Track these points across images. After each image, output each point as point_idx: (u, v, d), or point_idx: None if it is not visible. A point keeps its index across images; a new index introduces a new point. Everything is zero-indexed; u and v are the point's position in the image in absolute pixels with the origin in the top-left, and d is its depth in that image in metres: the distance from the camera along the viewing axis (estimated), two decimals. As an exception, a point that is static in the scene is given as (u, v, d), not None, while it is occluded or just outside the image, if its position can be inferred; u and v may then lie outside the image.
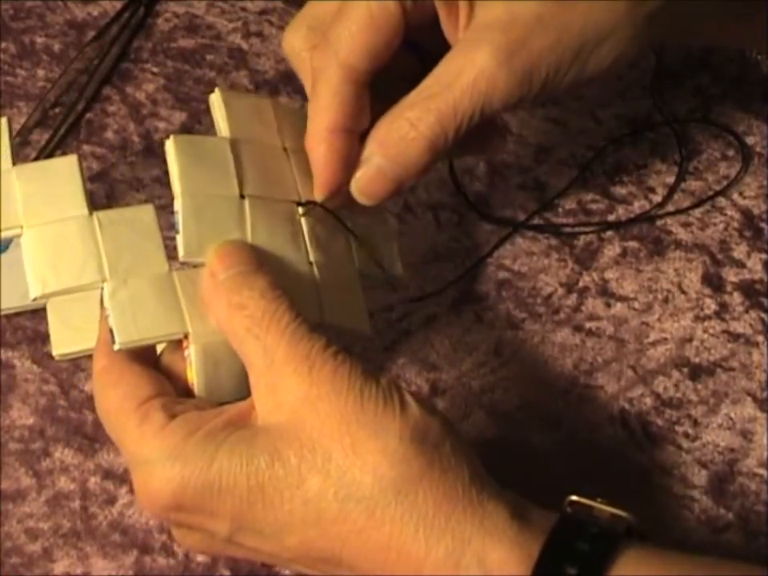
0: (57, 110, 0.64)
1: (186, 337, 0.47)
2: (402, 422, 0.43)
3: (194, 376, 0.47)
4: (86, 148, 0.63)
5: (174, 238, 0.47)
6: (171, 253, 0.47)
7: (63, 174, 0.49)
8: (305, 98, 0.64)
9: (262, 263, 0.46)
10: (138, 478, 0.46)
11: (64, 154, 0.63)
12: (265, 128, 0.51)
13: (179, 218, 0.47)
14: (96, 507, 0.52)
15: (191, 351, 0.47)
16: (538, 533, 0.42)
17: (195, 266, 0.47)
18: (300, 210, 0.49)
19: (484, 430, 0.54)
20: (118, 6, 0.68)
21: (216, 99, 0.50)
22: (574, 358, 0.56)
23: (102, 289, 0.46)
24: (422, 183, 0.61)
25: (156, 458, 0.44)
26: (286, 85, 0.65)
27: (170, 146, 0.48)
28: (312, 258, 0.49)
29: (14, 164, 0.49)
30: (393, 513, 0.42)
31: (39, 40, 0.67)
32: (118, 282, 0.46)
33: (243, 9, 0.68)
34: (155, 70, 0.66)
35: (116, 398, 0.47)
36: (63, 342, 0.50)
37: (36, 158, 0.62)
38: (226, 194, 0.48)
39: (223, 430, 0.45)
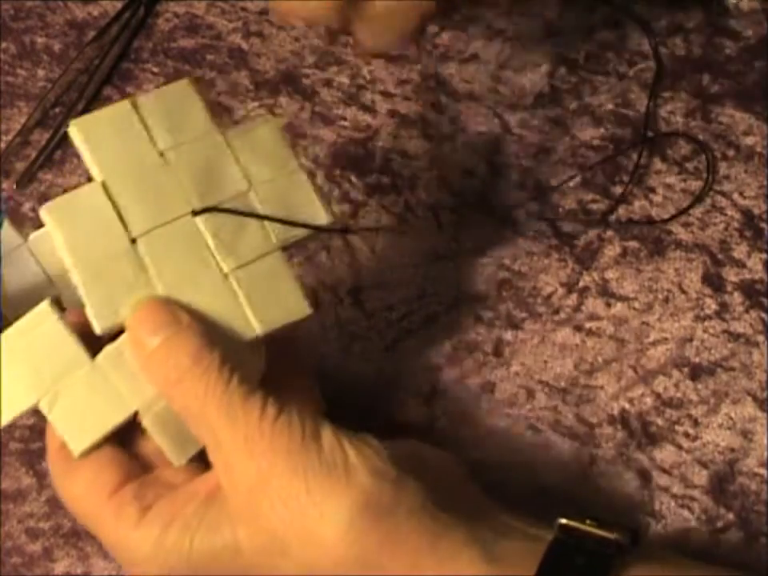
0: (57, 110, 0.64)
1: (136, 414, 0.46)
2: (350, 496, 0.42)
3: (160, 443, 0.47)
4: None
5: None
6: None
7: None
8: (305, 98, 0.64)
9: (181, 317, 0.45)
10: (123, 567, 0.46)
11: (64, 154, 0.63)
12: (132, 141, 0.48)
13: (81, 293, 0.45)
14: (96, 507, 0.52)
15: (146, 425, 0.46)
16: (516, 571, 0.41)
17: (114, 340, 0.46)
18: (197, 218, 0.47)
19: (484, 429, 0.54)
20: (118, 5, 0.68)
21: (75, 136, 0.47)
22: (574, 358, 0.56)
23: (41, 407, 0.46)
24: (423, 183, 0.61)
25: (137, 557, 0.45)
26: (286, 85, 0.65)
27: (46, 218, 0.46)
28: (224, 269, 0.47)
29: None
30: None
31: (39, 40, 0.67)
32: (50, 397, 0.46)
33: (243, 9, 0.68)
34: (155, 70, 0.66)
35: (80, 488, 0.46)
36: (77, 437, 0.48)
37: (36, 158, 0.62)
38: (117, 248, 0.46)
39: (195, 516, 0.44)
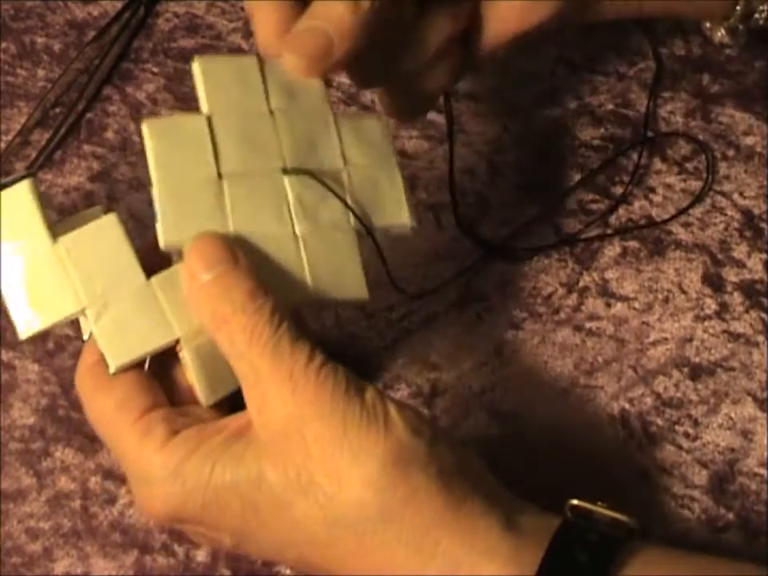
0: (57, 110, 0.64)
1: (177, 342, 0.46)
2: (386, 447, 0.42)
3: (193, 378, 0.47)
4: (86, 148, 0.63)
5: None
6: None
7: (18, 202, 0.47)
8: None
9: (239, 258, 0.45)
10: (139, 493, 0.46)
11: (64, 154, 0.63)
12: (248, 91, 0.49)
13: (156, 207, 0.46)
14: (96, 507, 0.52)
15: (186, 355, 0.47)
16: (533, 545, 0.42)
17: (171, 266, 0.47)
18: (286, 177, 0.48)
19: (484, 430, 0.54)
20: (118, 5, 0.68)
21: (196, 69, 0.49)
22: (574, 358, 0.56)
23: (85, 317, 0.46)
24: (423, 183, 0.61)
25: (156, 477, 0.45)
26: (286, 85, 0.65)
27: (145, 130, 0.47)
28: (298, 231, 0.48)
29: None
30: (380, 539, 0.42)
31: (39, 40, 0.67)
32: (99, 307, 0.46)
33: (243, 9, 0.68)
34: (155, 69, 0.66)
35: (110, 406, 0.46)
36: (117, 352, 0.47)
37: (36, 158, 0.62)
38: (203, 177, 0.47)
39: (219, 447, 0.44)
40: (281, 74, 0.49)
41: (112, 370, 0.46)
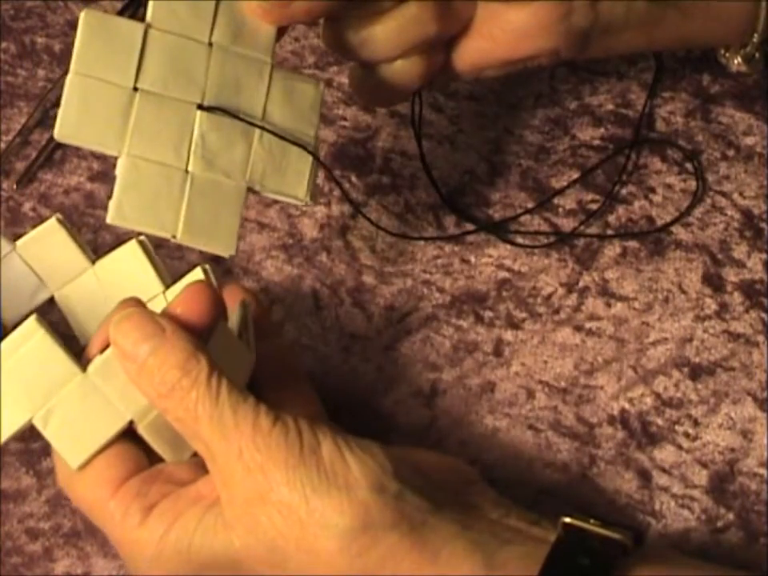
0: (57, 110, 0.64)
1: (131, 423, 0.46)
2: (352, 513, 0.41)
3: (156, 449, 0.47)
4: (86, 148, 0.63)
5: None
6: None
7: None
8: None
9: (164, 327, 0.44)
10: (128, 565, 0.47)
11: (64, 154, 0.63)
12: (195, 17, 0.49)
13: (63, 96, 0.46)
14: (96, 507, 0.52)
15: (142, 433, 0.46)
16: None
17: (110, 358, 0.45)
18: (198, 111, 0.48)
19: (484, 430, 0.54)
20: (118, 6, 0.68)
21: None
22: (574, 358, 0.56)
23: (35, 424, 0.45)
24: (423, 183, 0.61)
25: (140, 558, 0.45)
26: (286, 85, 0.65)
27: (81, 18, 0.47)
28: (190, 167, 0.47)
29: None
30: None
31: (40, 40, 0.67)
32: (43, 414, 0.45)
33: (243, 9, 0.68)
34: (155, 70, 0.66)
35: (86, 486, 0.46)
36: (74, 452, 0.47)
37: (36, 158, 0.62)
38: (119, 83, 0.47)
39: (194, 518, 0.44)
40: (235, 12, 0.49)
41: (74, 468, 0.45)
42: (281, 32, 0.50)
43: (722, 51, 0.58)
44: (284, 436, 0.42)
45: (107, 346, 0.45)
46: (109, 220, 0.46)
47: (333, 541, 0.41)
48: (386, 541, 0.41)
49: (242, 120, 0.48)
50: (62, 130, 0.46)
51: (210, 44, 0.49)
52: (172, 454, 0.47)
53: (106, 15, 0.48)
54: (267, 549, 0.42)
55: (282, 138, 0.49)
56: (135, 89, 0.47)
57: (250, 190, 0.49)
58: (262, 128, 0.49)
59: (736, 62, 0.57)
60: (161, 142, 0.47)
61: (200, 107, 0.48)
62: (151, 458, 0.47)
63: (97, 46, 0.46)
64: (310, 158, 0.50)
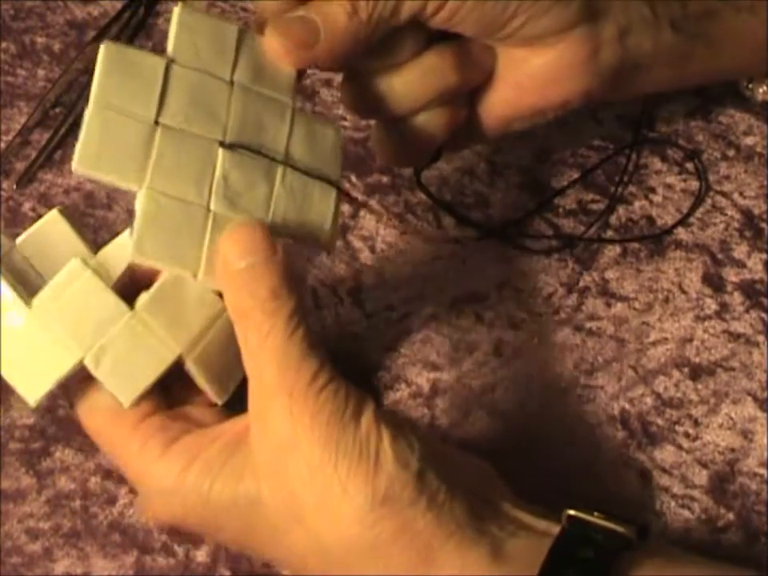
0: (57, 110, 0.64)
1: (179, 357, 0.46)
2: (375, 484, 0.42)
3: (202, 384, 0.47)
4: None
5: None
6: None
7: None
8: (306, 98, 0.64)
9: (276, 251, 0.44)
10: (141, 500, 0.47)
11: (64, 154, 0.63)
12: (217, 55, 0.48)
13: (82, 128, 0.45)
14: (96, 507, 0.52)
15: (190, 367, 0.47)
16: (524, 572, 0.41)
17: (156, 294, 0.46)
18: (220, 149, 0.47)
19: (484, 430, 0.54)
20: (118, 5, 0.68)
21: (175, 14, 0.47)
22: (574, 358, 0.56)
23: (86, 364, 0.46)
24: (423, 183, 0.61)
25: (156, 490, 0.45)
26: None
27: (102, 51, 0.46)
28: (212, 206, 0.46)
29: None
30: (369, 573, 0.42)
31: (39, 40, 0.67)
32: (94, 354, 0.45)
33: (243, 9, 0.68)
34: (155, 70, 0.66)
35: (106, 415, 0.46)
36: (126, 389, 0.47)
37: (36, 158, 0.62)
38: (140, 117, 0.46)
39: (218, 458, 0.44)
40: (256, 52, 0.48)
41: (126, 406, 0.46)
42: (300, 74, 0.50)
43: (745, 84, 0.57)
44: (334, 395, 0.43)
45: (152, 283, 0.46)
46: (130, 258, 0.45)
47: (351, 505, 0.42)
48: (402, 516, 0.42)
49: (268, 158, 0.47)
50: (81, 162, 0.45)
51: (232, 82, 0.48)
52: (216, 389, 0.47)
53: (127, 48, 0.47)
54: (289, 497, 0.43)
55: (308, 174, 0.48)
56: (156, 123, 0.46)
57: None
58: (289, 165, 0.48)
59: (761, 90, 0.57)
60: (182, 177, 0.46)
61: (222, 145, 0.47)
62: (180, 401, 0.48)
63: (117, 78, 0.46)
64: (332, 202, 0.49)
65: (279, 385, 0.43)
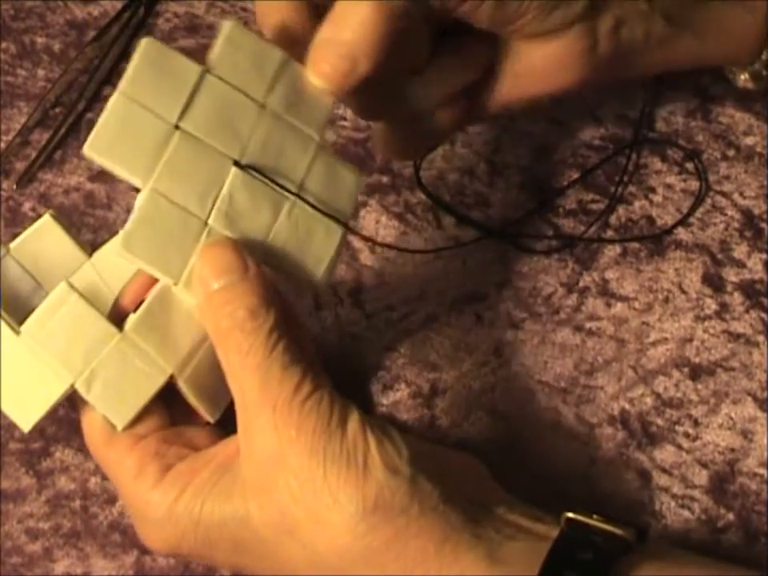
0: (57, 110, 0.64)
1: (171, 377, 0.46)
2: (365, 492, 0.42)
3: (194, 402, 0.47)
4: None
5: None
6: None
7: None
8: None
9: (249, 267, 0.44)
10: (138, 526, 0.47)
11: (64, 154, 0.63)
12: (255, 76, 0.47)
13: (104, 114, 0.45)
14: (96, 507, 0.52)
15: (182, 386, 0.47)
16: (520, 572, 0.41)
17: (144, 314, 0.46)
18: (232, 168, 0.46)
19: (484, 429, 0.54)
20: (118, 5, 0.68)
21: (224, 30, 0.47)
22: (574, 358, 0.56)
23: (78, 388, 0.46)
24: (423, 183, 0.61)
25: (152, 517, 0.45)
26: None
27: (142, 45, 0.45)
28: (210, 221, 0.46)
29: None
30: None
31: (39, 40, 0.67)
32: (85, 378, 0.45)
33: (243, 9, 0.68)
34: (155, 70, 0.66)
35: (102, 435, 0.47)
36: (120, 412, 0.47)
37: (36, 158, 0.62)
38: (161, 116, 0.45)
39: (209, 480, 0.45)
40: (296, 81, 0.48)
41: (120, 429, 0.46)
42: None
43: (729, 67, 0.58)
44: (318, 404, 0.43)
45: (141, 302, 0.46)
46: (117, 251, 0.45)
47: (342, 515, 0.42)
48: (394, 523, 0.42)
49: (279, 186, 0.47)
50: (93, 146, 0.44)
51: (263, 105, 0.47)
52: (208, 407, 0.47)
53: (167, 48, 0.46)
54: (279, 512, 0.43)
55: (316, 208, 0.48)
56: (177, 126, 0.46)
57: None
58: (300, 197, 0.48)
59: (743, 77, 0.57)
60: (188, 186, 0.46)
61: (236, 164, 0.47)
62: (174, 419, 0.48)
63: (149, 73, 0.45)
64: (336, 242, 0.48)
65: (262, 400, 0.43)
